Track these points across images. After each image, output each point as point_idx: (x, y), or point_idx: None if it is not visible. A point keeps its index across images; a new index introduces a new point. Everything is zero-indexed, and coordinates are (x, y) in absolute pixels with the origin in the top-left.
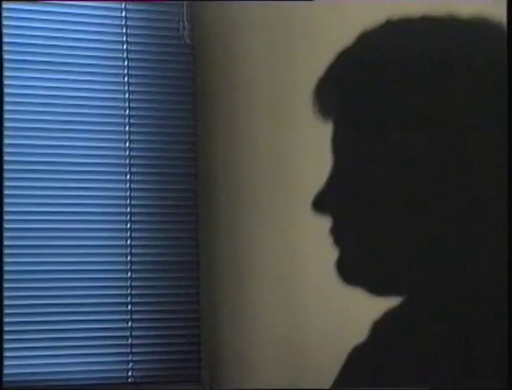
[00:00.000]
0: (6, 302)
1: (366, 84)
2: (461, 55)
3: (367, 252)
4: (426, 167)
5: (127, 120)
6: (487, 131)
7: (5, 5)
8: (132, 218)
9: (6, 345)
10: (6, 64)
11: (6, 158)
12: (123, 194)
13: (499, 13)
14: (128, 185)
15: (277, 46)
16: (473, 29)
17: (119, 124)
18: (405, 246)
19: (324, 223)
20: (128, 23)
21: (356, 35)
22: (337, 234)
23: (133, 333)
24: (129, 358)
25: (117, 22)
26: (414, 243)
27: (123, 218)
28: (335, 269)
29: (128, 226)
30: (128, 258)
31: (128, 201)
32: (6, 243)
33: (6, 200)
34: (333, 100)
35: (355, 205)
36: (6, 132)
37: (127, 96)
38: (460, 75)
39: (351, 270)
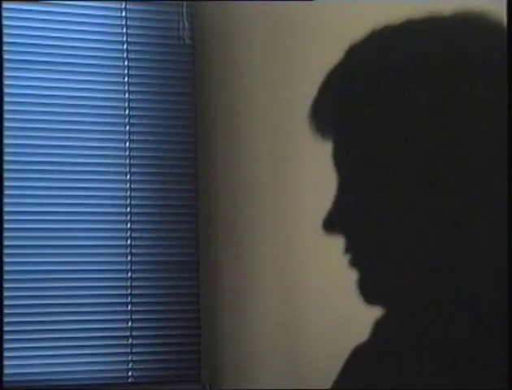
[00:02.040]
0: (6, 302)
1: (361, 97)
2: (459, 59)
3: (386, 270)
4: (430, 175)
5: (127, 120)
6: (487, 134)
7: (5, 5)
8: (132, 218)
9: (6, 345)
10: (6, 64)
11: (6, 158)
12: (123, 194)
13: (484, 6)
14: (128, 185)
15: (277, 46)
16: (461, 27)
17: (119, 124)
18: (415, 257)
19: (325, 234)
20: (128, 23)
21: (344, 50)
22: (354, 253)
23: (133, 333)
24: (129, 358)
25: (117, 22)
26: (423, 254)
27: (123, 218)
28: (357, 290)
29: (128, 226)
30: (128, 258)
31: (128, 201)
32: (6, 243)
33: (6, 200)
34: (330, 119)
35: (367, 222)
36: (6, 132)
37: (127, 96)
38: (459, 80)
39: (372, 291)
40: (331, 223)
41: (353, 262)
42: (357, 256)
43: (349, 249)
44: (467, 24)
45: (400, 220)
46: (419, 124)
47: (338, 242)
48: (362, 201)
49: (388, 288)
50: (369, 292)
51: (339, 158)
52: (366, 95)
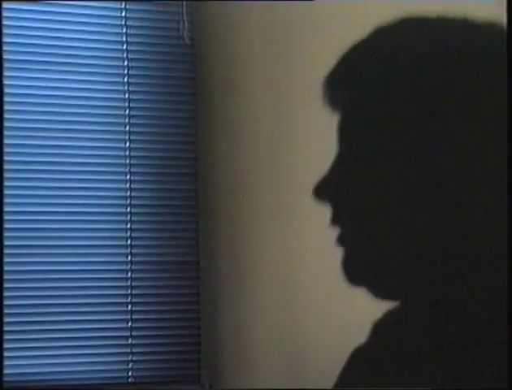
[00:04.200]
0: (6, 302)
1: (377, 78)
2: (472, 56)
3: (372, 250)
4: (433, 164)
5: (127, 120)
6: (493, 131)
7: (5, 5)
8: (132, 218)
9: (6, 345)
10: (6, 64)
11: (6, 158)
12: (123, 194)
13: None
14: (128, 185)
15: (277, 46)
16: (487, 33)
17: (119, 124)
18: (407, 243)
19: (327, 223)
20: (127, 23)
21: (369, 30)
22: (340, 228)
23: (133, 333)
24: (129, 358)
25: (117, 22)
26: (416, 240)
27: (123, 218)
28: (341, 268)
29: (128, 226)
30: (128, 258)
31: (128, 201)
32: (6, 243)
33: (6, 200)
34: (343, 92)
35: (357, 195)
36: (6, 132)
37: (127, 96)
38: (470, 74)
39: (356, 270)
40: (323, 189)
41: (340, 239)
42: (344, 232)
43: (335, 221)
44: (499, 36)
45: (391, 199)
46: (427, 113)
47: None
48: (356, 175)
49: (373, 268)
50: (353, 270)
51: (343, 131)
52: (383, 77)
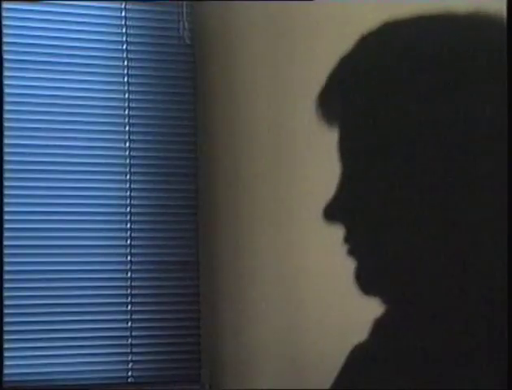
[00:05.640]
0: (6, 302)
1: (371, 88)
2: (464, 57)
3: (383, 261)
4: (435, 170)
5: (127, 120)
6: (491, 132)
7: (5, 5)
8: (132, 218)
9: (6, 345)
10: (6, 64)
11: (6, 158)
12: (123, 194)
13: (496, 7)
14: (128, 185)
15: (277, 46)
16: (473, 26)
17: (119, 124)
18: (417, 253)
19: (325, 223)
20: (128, 23)
21: (356, 40)
22: (352, 244)
23: (133, 333)
24: (129, 358)
25: (117, 22)
26: (425, 249)
27: (123, 218)
28: (354, 280)
29: (128, 226)
30: (128, 258)
31: (128, 201)
32: (6, 243)
33: (6, 200)
34: (338, 107)
35: (367, 212)
36: (6, 132)
37: (127, 96)
38: (465, 78)
39: (369, 281)
40: (332, 212)
41: (351, 251)
42: (356, 245)
43: (348, 238)
44: (482, 25)
45: (401, 212)
46: (427, 119)
47: (341, 241)
48: (364, 191)
49: (385, 279)
50: (365, 281)
51: (344, 147)
52: (376, 86)
